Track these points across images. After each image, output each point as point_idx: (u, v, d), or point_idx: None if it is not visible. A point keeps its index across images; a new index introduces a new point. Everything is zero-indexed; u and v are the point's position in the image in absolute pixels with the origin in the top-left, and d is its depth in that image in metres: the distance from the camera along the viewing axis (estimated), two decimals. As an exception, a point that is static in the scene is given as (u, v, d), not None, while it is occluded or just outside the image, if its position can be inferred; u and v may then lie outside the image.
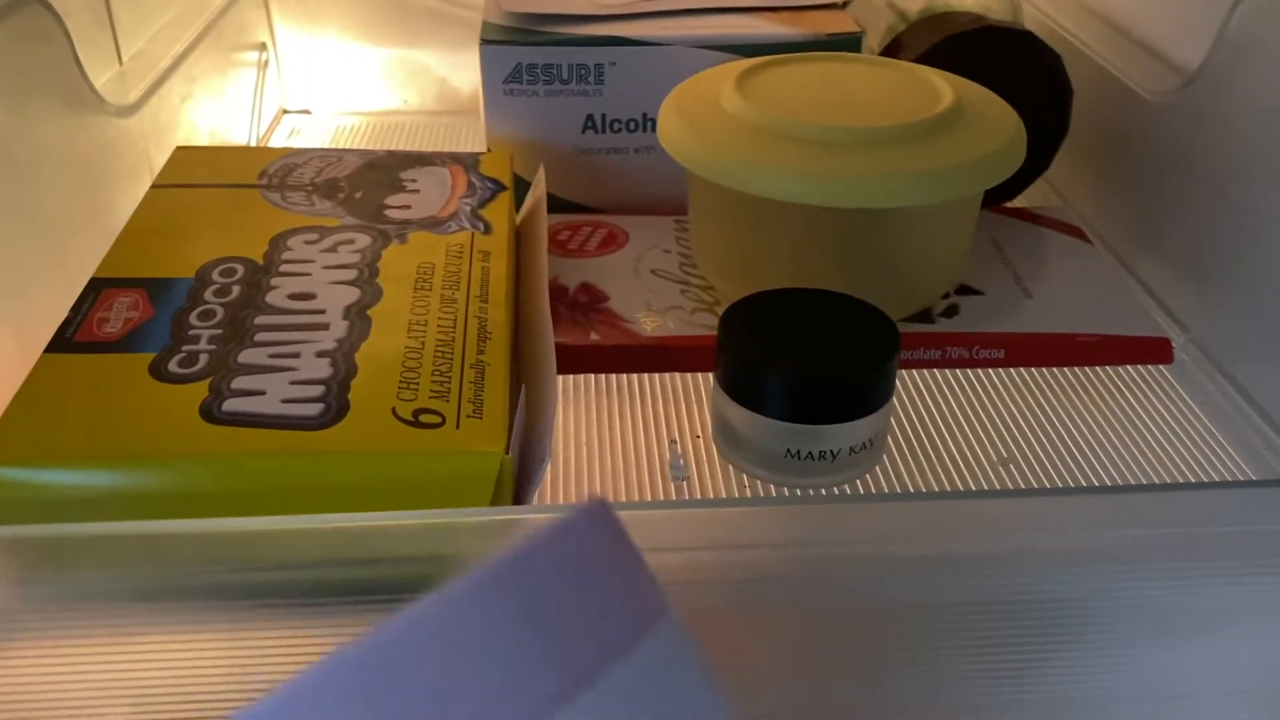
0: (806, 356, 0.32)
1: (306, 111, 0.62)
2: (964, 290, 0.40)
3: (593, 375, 0.38)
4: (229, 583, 0.25)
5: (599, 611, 0.16)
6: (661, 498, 0.33)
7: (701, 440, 0.36)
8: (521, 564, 0.15)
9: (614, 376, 0.38)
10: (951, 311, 0.39)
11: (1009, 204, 0.47)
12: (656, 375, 0.38)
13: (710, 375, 0.38)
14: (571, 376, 0.38)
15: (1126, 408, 0.37)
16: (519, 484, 0.29)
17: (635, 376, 0.38)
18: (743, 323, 0.33)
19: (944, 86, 0.38)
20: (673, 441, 0.36)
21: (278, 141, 0.59)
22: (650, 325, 0.38)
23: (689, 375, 0.38)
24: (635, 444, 0.35)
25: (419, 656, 0.14)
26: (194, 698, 0.25)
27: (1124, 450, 0.35)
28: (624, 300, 0.40)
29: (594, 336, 0.38)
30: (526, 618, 0.15)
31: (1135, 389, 0.38)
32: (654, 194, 0.46)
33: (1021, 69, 0.43)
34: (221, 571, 0.25)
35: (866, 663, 0.28)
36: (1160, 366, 0.39)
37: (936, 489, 0.34)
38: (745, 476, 0.33)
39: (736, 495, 0.33)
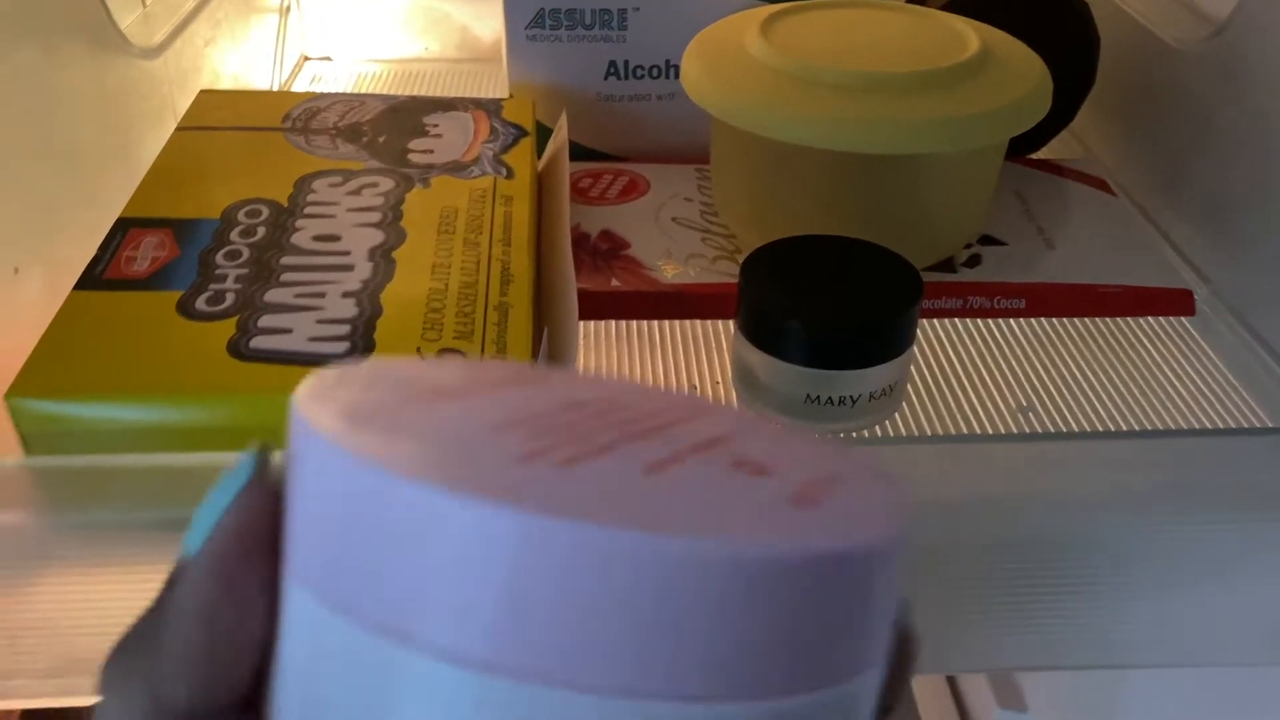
0: (828, 302, 0.32)
1: (327, 58, 0.62)
2: (986, 240, 0.40)
3: (613, 321, 0.38)
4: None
5: None
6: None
7: (721, 386, 0.36)
8: None
9: (634, 323, 0.39)
10: (973, 261, 0.39)
11: (1033, 155, 0.47)
12: (676, 322, 0.39)
13: (730, 323, 0.38)
14: (592, 322, 0.38)
15: (1147, 359, 0.37)
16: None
17: (655, 323, 0.39)
18: (764, 268, 0.33)
19: (970, 33, 0.38)
20: (693, 387, 0.36)
21: (299, 88, 0.59)
22: (671, 272, 0.39)
23: (709, 322, 0.39)
24: (655, 389, 0.36)
25: None
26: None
27: (1144, 401, 0.35)
28: (645, 247, 0.40)
29: (615, 283, 0.38)
30: None
31: (1156, 340, 0.38)
32: (676, 141, 0.46)
33: (1049, 17, 0.43)
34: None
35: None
36: (1182, 318, 0.39)
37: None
38: (764, 421, 0.33)
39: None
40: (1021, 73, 0.37)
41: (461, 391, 0.15)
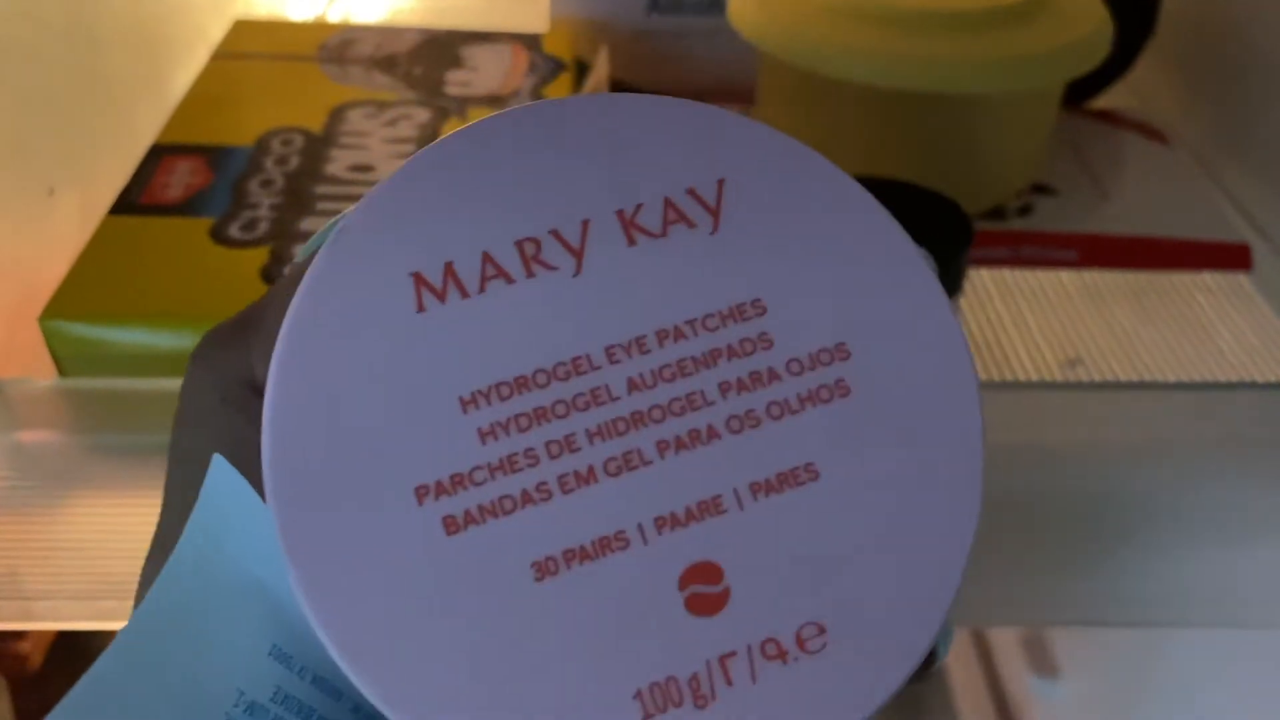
0: (875, 245, 0.31)
1: (363, -7, 0.61)
2: (1039, 189, 0.39)
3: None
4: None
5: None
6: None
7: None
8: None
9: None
10: (1025, 210, 0.38)
11: (1090, 105, 0.46)
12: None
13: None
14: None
15: (1201, 314, 0.36)
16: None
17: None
18: (810, 209, 0.32)
19: (1030, -28, 0.37)
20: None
21: (333, 20, 0.58)
22: (712, 214, 0.38)
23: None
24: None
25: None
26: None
27: (1197, 357, 0.34)
28: (685, 188, 0.39)
29: (654, 223, 0.37)
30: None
31: (1212, 295, 0.37)
32: (720, 81, 0.44)
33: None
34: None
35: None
36: (1239, 273, 0.37)
37: (1000, 387, 0.33)
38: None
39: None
40: (1080, 15, 0.36)
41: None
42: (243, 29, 0.42)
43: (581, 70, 0.43)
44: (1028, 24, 0.34)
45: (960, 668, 0.68)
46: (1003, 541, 0.28)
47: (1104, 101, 0.46)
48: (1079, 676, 0.55)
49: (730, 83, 0.44)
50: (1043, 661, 0.57)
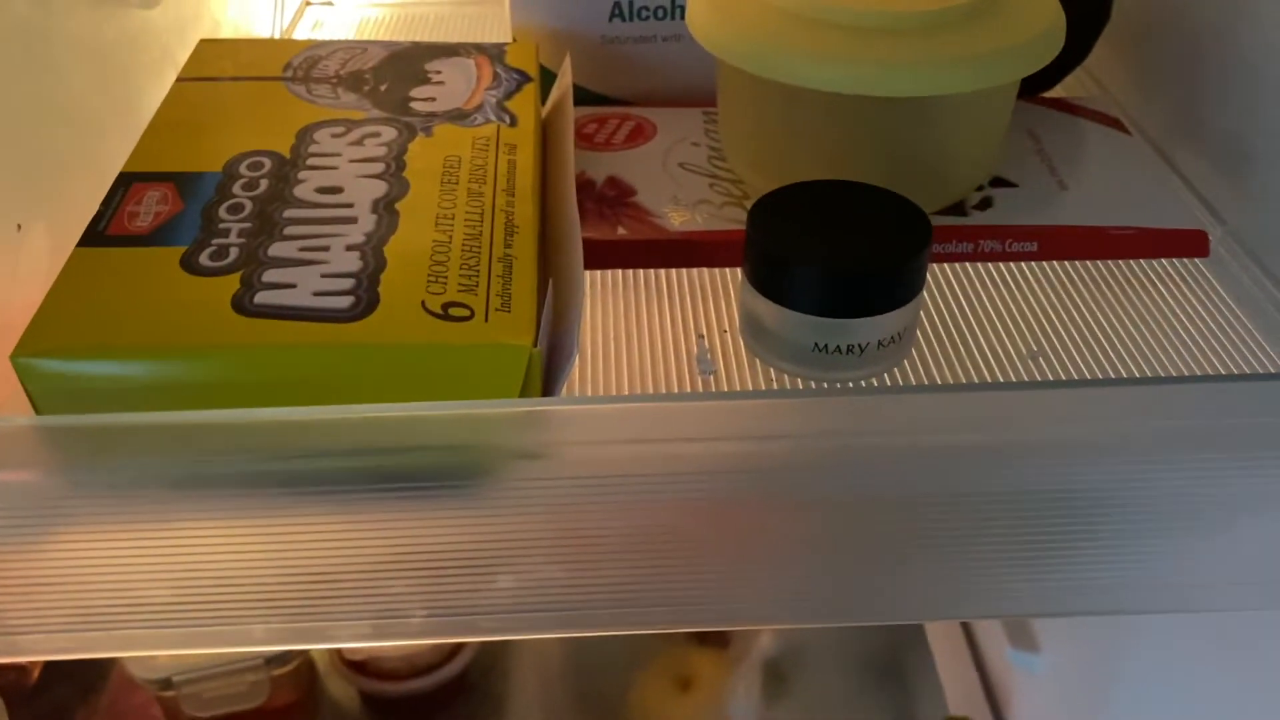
0: (836, 249, 0.31)
1: (329, 3, 0.61)
2: (998, 182, 0.40)
3: (620, 270, 0.38)
4: (262, 471, 0.25)
5: None
6: (689, 391, 0.33)
7: (729, 335, 0.36)
8: None
9: (641, 272, 0.38)
10: (985, 204, 0.38)
11: (1046, 94, 0.46)
12: (684, 271, 0.38)
13: (738, 271, 0.37)
14: (598, 272, 0.38)
15: (1161, 302, 0.37)
16: (547, 376, 0.30)
17: (662, 272, 0.38)
18: (771, 215, 0.33)
19: (983, -31, 0.37)
20: (700, 336, 0.36)
21: (301, 34, 0.58)
22: (678, 220, 0.38)
23: (717, 271, 0.38)
24: (662, 339, 0.35)
25: None
26: (232, 581, 0.26)
27: (1157, 345, 0.35)
28: (651, 194, 0.39)
29: (621, 231, 0.38)
30: None
31: (1170, 283, 0.38)
32: (683, 85, 0.45)
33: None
34: (255, 460, 0.25)
35: (890, 552, 0.28)
36: (1196, 260, 0.38)
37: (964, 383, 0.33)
38: (773, 371, 0.33)
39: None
40: (1034, 10, 0.36)
41: None
42: (207, 49, 0.42)
43: (547, 78, 0.44)
44: (982, 23, 0.35)
45: (944, 643, 0.69)
46: (969, 537, 0.29)
47: (1061, 89, 0.46)
48: (1057, 649, 0.56)
49: (693, 88, 0.44)
50: (1022, 636, 0.58)
